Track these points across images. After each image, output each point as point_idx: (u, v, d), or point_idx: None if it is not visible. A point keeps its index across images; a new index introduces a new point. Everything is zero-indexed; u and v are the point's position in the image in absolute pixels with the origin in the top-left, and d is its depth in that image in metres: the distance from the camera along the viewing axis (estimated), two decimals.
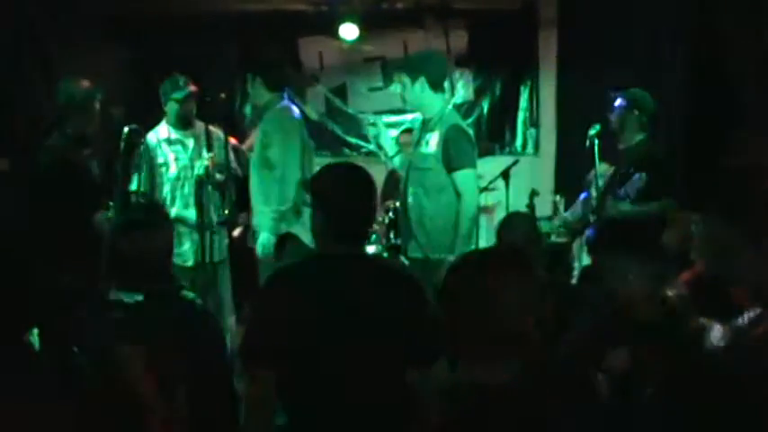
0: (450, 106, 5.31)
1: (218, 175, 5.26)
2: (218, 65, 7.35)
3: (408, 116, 7.82)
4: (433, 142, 4.83)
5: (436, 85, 4.97)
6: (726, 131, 6.01)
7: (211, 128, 5.29)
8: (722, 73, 6.11)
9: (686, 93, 6.62)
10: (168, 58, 7.03)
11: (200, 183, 5.21)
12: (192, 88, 5.43)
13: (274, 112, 5.27)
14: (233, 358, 4.87)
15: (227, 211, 5.29)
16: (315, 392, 2.79)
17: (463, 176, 4.75)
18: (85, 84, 5.13)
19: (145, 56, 7.11)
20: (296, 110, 5.35)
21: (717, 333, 2.41)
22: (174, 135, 5.50)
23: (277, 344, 2.75)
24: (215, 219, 5.35)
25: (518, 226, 4.30)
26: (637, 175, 4.95)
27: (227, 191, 5.30)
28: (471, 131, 5.06)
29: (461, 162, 4.72)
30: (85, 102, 5.08)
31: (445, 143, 4.76)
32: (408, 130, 6.87)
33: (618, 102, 5.40)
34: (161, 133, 5.51)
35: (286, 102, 5.34)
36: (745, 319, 2.41)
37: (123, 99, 5.60)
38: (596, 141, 5.32)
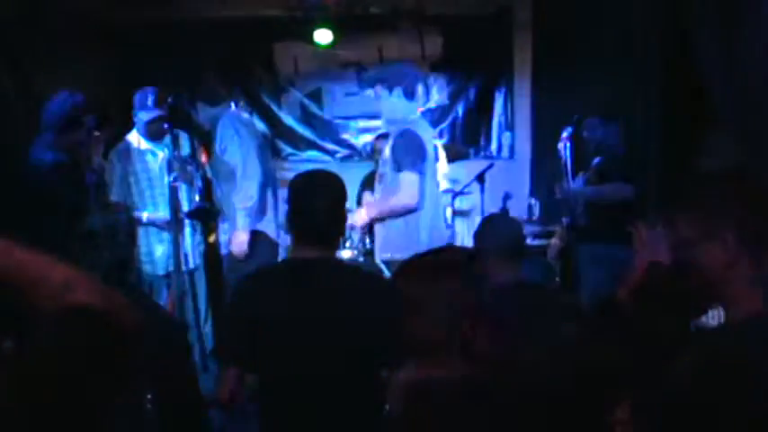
0: (416, 112, 5.38)
1: (188, 167, 5.30)
2: (191, 70, 7.31)
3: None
4: (388, 147, 4.94)
5: (411, 95, 5.08)
6: (699, 133, 6.05)
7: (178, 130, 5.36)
8: (695, 75, 6.14)
9: (660, 95, 6.66)
10: (142, 64, 7.03)
11: (173, 187, 5.21)
12: (159, 112, 5.40)
13: (225, 119, 5.43)
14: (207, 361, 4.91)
15: (197, 197, 5.35)
16: (285, 394, 2.83)
17: (404, 179, 4.78)
18: (76, 96, 5.11)
19: (119, 64, 7.09)
20: (245, 114, 5.46)
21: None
22: (145, 145, 5.51)
23: (248, 345, 2.79)
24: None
25: (499, 228, 4.28)
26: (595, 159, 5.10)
27: (195, 182, 5.39)
28: (428, 136, 5.08)
29: (403, 165, 4.76)
30: (75, 113, 5.06)
31: (393, 147, 4.85)
32: (383, 136, 6.89)
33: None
34: (133, 141, 5.52)
35: (234, 109, 5.59)
36: (709, 318, 2.44)
37: (97, 108, 5.57)
38: (568, 144, 5.38)
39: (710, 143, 5.79)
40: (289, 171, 7.61)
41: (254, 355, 2.82)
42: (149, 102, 5.40)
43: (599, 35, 6.99)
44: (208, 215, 5.58)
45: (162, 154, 5.49)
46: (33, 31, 5.78)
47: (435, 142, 5.59)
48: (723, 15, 5.77)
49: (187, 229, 5.53)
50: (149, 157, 5.51)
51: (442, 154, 6.12)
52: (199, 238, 5.63)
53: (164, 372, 2.75)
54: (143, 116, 5.42)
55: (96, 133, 4.95)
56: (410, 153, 4.76)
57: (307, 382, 2.81)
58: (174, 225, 5.12)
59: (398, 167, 4.77)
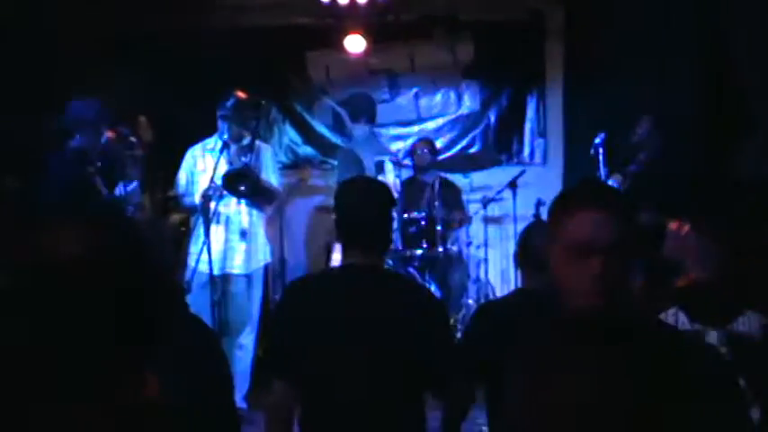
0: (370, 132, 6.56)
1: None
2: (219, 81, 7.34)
3: (415, 128, 7.89)
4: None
5: (372, 119, 6.17)
6: (735, 143, 5.99)
7: None
8: (732, 84, 6.08)
9: (695, 104, 6.61)
10: (175, 74, 7.10)
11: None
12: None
13: None
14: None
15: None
16: (328, 403, 2.83)
17: None
18: (92, 103, 5.17)
19: (156, 74, 7.16)
20: None
21: (712, 339, 2.43)
22: None
23: (296, 354, 2.82)
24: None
25: (540, 235, 4.23)
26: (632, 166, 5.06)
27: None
28: (371, 154, 5.96)
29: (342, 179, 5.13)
30: (92, 121, 5.11)
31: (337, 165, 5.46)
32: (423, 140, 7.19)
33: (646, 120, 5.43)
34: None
35: None
36: (739, 324, 2.43)
37: (131, 118, 5.63)
38: (601, 150, 5.34)
39: (749, 149, 5.72)
40: (318, 178, 7.65)
41: (301, 364, 2.83)
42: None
43: (632, 40, 6.94)
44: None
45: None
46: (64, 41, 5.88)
47: (384, 158, 6.19)
48: (759, 15, 5.71)
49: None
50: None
51: (389, 166, 6.35)
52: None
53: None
54: None
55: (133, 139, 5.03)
56: (344, 170, 5.29)
57: (350, 393, 2.79)
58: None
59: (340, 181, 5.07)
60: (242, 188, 5.14)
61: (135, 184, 5.13)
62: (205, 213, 5.07)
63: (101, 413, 1.42)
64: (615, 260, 1.82)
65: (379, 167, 6.15)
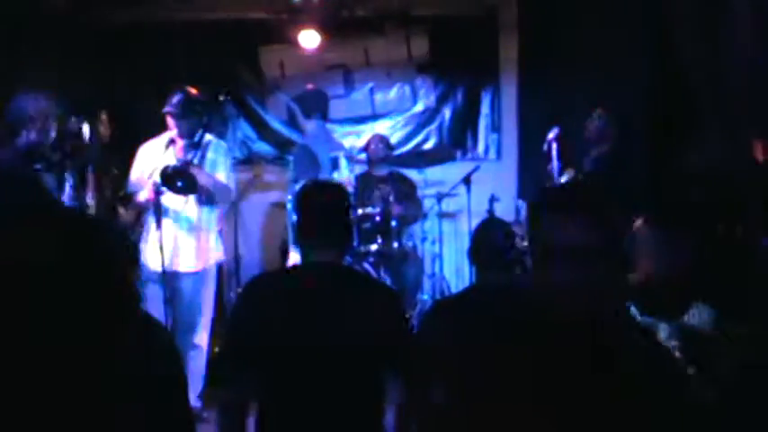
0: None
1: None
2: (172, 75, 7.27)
3: (370, 124, 7.88)
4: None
5: (325, 116, 6.44)
6: (684, 139, 6.07)
7: None
8: (680, 75, 6.16)
9: (646, 100, 6.68)
10: (125, 67, 7.03)
11: None
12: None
13: None
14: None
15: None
16: (285, 398, 2.82)
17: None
18: (38, 98, 5.06)
19: (111, 68, 7.09)
20: None
21: (664, 332, 2.46)
22: None
23: (253, 353, 2.82)
24: None
25: (494, 231, 4.27)
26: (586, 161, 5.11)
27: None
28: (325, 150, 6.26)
29: (299, 175, 5.54)
30: (37, 116, 5.01)
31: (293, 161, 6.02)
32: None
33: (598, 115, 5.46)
34: None
35: None
36: (689, 316, 2.45)
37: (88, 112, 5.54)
38: (554, 145, 5.37)
39: (695, 142, 5.80)
40: (273, 174, 7.62)
41: (258, 363, 2.82)
42: None
43: (584, 36, 7.01)
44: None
45: None
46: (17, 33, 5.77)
47: (338, 153, 6.15)
48: (705, 15, 5.80)
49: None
50: None
51: (344, 162, 6.27)
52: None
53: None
54: None
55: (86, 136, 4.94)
56: (305, 166, 5.44)
57: (309, 391, 2.80)
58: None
59: (296, 177, 5.39)
60: (179, 184, 5.07)
61: (71, 181, 5.04)
62: (157, 209, 5.01)
63: (55, 412, 1.39)
64: (588, 263, 1.81)
65: (335, 163, 6.13)
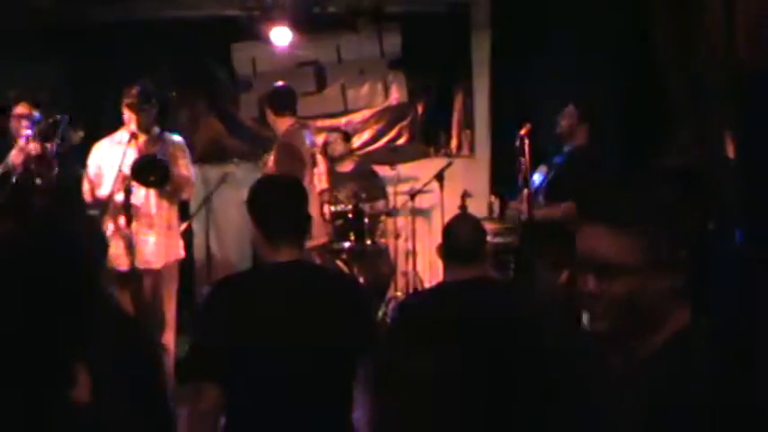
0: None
1: None
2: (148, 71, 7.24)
3: (342, 120, 7.87)
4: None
5: (295, 111, 6.08)
6: (656, 134, 6.10)
7: None
8: (654, 75, 6.19)
9: (619, 97, 6.72)
10: (98, 64, 6.97)
11: None
12: None
13: None
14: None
15: None
16: (257, 398, 2.80)
17: None
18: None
19: (76, 66, 7.03)
20: None
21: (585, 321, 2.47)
22: None
23: (225, 354, 2.78)
24: None
25: (465, 227, 4.27)
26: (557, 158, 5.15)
27: None
28: (305, 146, 5.94)
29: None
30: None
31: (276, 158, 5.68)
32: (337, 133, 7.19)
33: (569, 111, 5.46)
34: None
35: None
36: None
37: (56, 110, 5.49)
38: (526, 141, 5.38)
39: (667, 139, 5.83)
40: (245, 170, 7.57)
41: (230, 364, 2.79)
42: None
43: (557, 34, 7.03)
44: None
45: None
46: None
47: (314, 150, 6.14)
48: (679, 16, 5.84)
49: None
50: None
51: (320, 159, 6.40)
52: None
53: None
54: None
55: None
56: (290, 161, 5.44)
57: (282, 390, 2.79)
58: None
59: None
60: (152, 178, 5.02)
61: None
62: (126, 206, 4.97)
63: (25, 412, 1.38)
64: (613, 279, 1.69)
65: (313, 160, 6.08)
